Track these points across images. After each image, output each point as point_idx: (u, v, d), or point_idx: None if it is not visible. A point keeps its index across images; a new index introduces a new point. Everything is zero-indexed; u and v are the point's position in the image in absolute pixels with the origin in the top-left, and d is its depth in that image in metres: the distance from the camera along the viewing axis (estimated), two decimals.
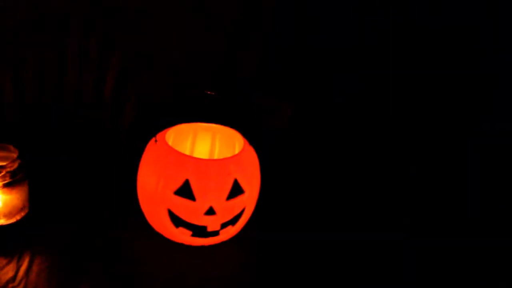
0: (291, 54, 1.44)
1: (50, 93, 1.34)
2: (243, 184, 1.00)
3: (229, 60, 1.45)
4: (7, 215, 1.01)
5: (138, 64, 1.36)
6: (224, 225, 1.02)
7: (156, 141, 1.03)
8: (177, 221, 1.00)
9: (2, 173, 0.97)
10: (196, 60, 1.40)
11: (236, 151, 1.08)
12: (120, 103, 1.38)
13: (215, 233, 1.02)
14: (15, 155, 1.00)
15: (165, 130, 1.08)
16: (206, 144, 1.15)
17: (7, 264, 0.96)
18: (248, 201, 1.03)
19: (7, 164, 0.97)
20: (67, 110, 1.34)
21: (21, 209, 1.03)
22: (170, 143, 1.07)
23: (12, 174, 0.99)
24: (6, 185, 0.98)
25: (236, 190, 0.99)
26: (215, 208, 0.98)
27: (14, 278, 0.93)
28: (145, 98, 1.38)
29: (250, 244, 1.11)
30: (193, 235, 1.02)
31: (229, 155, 1.10)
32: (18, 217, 1.03)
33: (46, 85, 1.33)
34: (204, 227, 1.00)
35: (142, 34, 1.33)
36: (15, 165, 0.99)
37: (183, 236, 1.02)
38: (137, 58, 1.36)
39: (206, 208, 0.97)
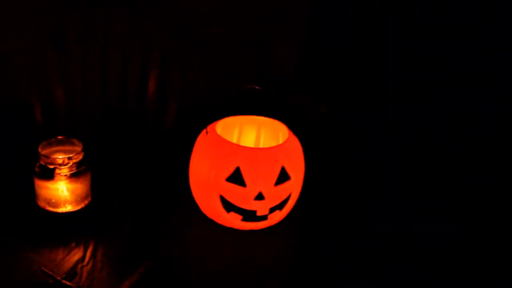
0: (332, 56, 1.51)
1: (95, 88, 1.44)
2: (289, 171, 1.07)
3: (268, 59, 1.53)
4: (73, 202, 1.10)
5: (181, 62, 1.45)
6: (272, 210, 1.09)
7: (207, 132, 1.11)
8: (229, 207, 1.07)
9: (69, 164, 1.06)
10: (237, 58, 1.49)
11: (280, 142, 1.15)
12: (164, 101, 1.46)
13: (264, 218, 1.10)
14: (79, 148, 1.09)
15: (214, 122, 1.16)
16: (252, 136, 1.22)
17: (76, 246, 1.05)
18: (294, 187, 1.10)
19: (73, 155, 1.06)
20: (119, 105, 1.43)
21: (85, 198, 1.13)
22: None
23: (78, 165, 1.08)
24: (72, 175, 1.07)
25: (283, 177, 1.06)
26: (264, 193, 1.05)
27: (83, 258, 1.02)
28: (188, 95, 1.47)
29: (296, 229, 1.18)
30: (243, 220, 1.09)
31: (273, 145, 1.17)
32: (82, 205, 1.12)
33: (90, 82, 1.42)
34: (254, 212, 1.08)
35: (184, 32, 1.42)
36: (80, 157, 1.08)
37: (234, 221, 1.10)
38: (179, 57, 1.44)
39: (256, 193, 1.05)
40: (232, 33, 1.43)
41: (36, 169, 1.07)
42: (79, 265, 1.00)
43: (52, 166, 1.05)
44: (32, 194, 1.11)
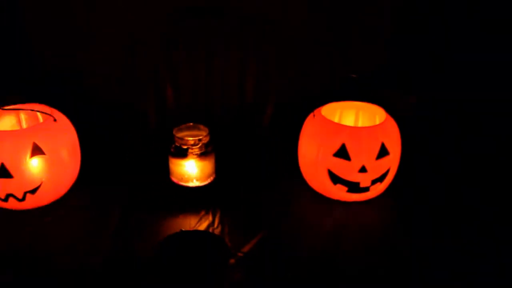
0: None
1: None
2: (388, 147, 1.21)
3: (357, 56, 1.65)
4: (201, 178, 1.30)
5: (274, 68, 1.61)
6: (373, 182, 1.23)
7: (314, 116, 1.28)
8: (335, 179, 1.23)
9: (199, 145, 1.26)
10: (327, 58, 1.62)
11: (377, 123, 1.30)
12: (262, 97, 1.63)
13: (366, 189, 1.24)
14: (205, 132, 1.29)
15: (318, 108, 1.32)
16: (351, 119, 1.38)
17: (205, 213, 1.24)
18: (392, 162, 1.24)
19: (202, 137, 1.26)
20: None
21: (211, 175, 1.32)
22: None
23: (205, 146, 1.28)
24: (201, 154, 1.27)
25: (383, 152, 1.21)
26: (367, 167, 1.20)
27: (213, 223, 1.21)
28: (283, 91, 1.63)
29: (394, 203, 1.31)
30: (348, 191, 1.24)
31: None
32: (208, 181, 1.32)
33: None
34: (357, 183, 1.23)
35: (275, 41, 1.58)
36: (207, 139, 1.28)
37: (340, 192, 1.25)
38: (273, 63, 1.60)
39: (359, 166, 1.20)
40: (321, 37, 1.56)
41: (172, 150, 1.28)
42: (210, 228, 1.19)
43: (185, 147, 1.26)
44: (166, 172, 1.32)
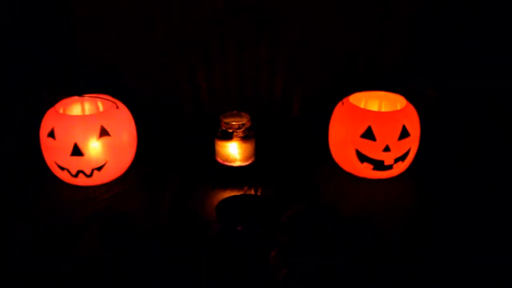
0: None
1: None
2: (409, 129, 1.38)
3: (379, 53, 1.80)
4: (243, 159, 1.48)
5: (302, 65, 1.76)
6: (396, 160, 1.40)
7: (343, 103, 1.45)
8: (362, 158, 1.40)
9: (242, 129, 1.44)
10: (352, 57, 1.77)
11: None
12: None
13: (390, 167, 1.41)
14: (246, 119, 1.47)
15: (346, 97, 1.49)
16: (375, 107, 1.55)
17: (248, 189, 1.41)
18: (413, 143, 1.41)
19: (245, 122, 1.44)
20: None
21: (251, 157, 1.50)
22: None
23: (247, 130, 1.46)
24: (243, 138, 1.45)
25: (404, 133, 1.38)
26: (390, 146, 1.37)
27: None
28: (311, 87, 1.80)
29: (416, 180, 1.48)
30: (374, 169, 1.41)
31: None
32: (249, 162, 1.50)
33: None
34: (382, 161, 1.40)
35: (303, 40, 1.74)
36: (249, 124, 1.46)
37: (366, 170, 1.43)
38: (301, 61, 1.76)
39: (383, 146, 1.37)
40: (346, 40, 1.72)
41: (218, 134, 1.46)
42: None
43: (230, 130, 1.44)
44: (211, 153, 1.50)
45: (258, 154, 1.53)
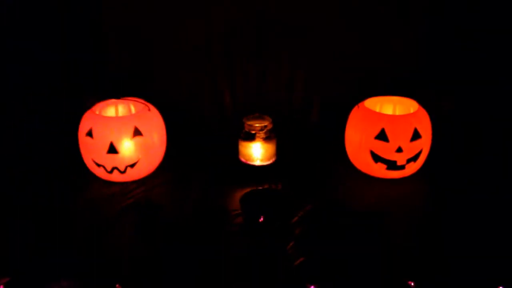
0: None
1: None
2: (420, 131, 1.48)
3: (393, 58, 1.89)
4: (265, 159, 1.59)
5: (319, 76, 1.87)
6: (408, 161, 1.50)
7: (358, 107, 1.56)
8: (376, 158, 1.50)
9: (264, 130, 1.55)
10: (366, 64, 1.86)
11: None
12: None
13: (402, 167, 1.51)
14: (269, 121, 1.58)
15: (362, 101, 1.59)
16: (389, 111, 1.65)
17: (270, 186, 1.52)
18: (424, 144, 1.50)
19: (267, 124, 1.55)
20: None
21: (272, 156, 1.61)
22: None
23: (269, 132, 1.57)
24: (265, 138, 1.56)
25: (416, 135, 1.47)
26: (402, 147, 1.47)
27: None
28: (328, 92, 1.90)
29: (428, 180, 1.57)
30: (387, 169, 1.51)
31: None
32: (270, 161, 1.60)
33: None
34: (395, 162, 1.49)
35: (320, 52, 1.84)
36: (270, 126, 1.57)
37: (380, 170, 1.52)
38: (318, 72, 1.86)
39: (396, 147, 1.47)
40: (363, 50, 1.82)
41: (242, 135, 1.57)
42: None
43: (253, 132, 1.55)
44: (235, 153, 1.61)
45: (279, 154, 1.63)
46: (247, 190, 1.49)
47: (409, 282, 1.13)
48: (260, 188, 1.47)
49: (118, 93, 1.64)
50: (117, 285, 1.10)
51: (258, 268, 1.18)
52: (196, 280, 1.14)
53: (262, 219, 1.31)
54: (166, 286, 1.13)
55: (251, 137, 1.55)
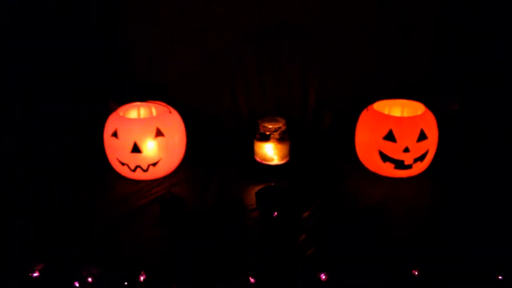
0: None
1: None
2: (426, 132, 1.56)
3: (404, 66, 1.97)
4: (279, 158, 1.68)
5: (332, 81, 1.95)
6: (415, 160, 1.58)
7: (368, 110, 1.64)
8: (385, 158, 1.58)
9: (278, 131, 1.64)
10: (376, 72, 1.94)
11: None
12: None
13: (409, 166, 1.59)
14: (283, 123, 1.67)
15: (371, 104, 1.68)
16: (398, 113, 1.73)
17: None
18: (430, 145, 1.58)
19: (281, 125, 1.64)
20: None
21: (286, 156, 1.70)
22: None
23: (282, 133, 1.66)
24: (279, 139, 1.65)
25: (422, 136, 1.55)
26: (409, 147, 1.55)
27: None
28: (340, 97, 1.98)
29: (433, 180, 1.64)
30: (395, 168, 1.59)
31: None
32: (284, 161, 1.69)
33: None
34: (402, 161, 1.57)
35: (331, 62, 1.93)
36: (284, 127, 1.66)
37: (388, 169, 1.60)
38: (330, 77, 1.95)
39: (403, 147, 1.55)
40: (374, 56, 1.90)
41: (257, 136, 1.67)
42: None
43: (268, 133, 1.64)
44: (251, 153, 1.71)
45: (293, 154, 1.72)
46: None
47: (413, 271, 1.20)
48: (273, 184, 1.55)
49: (141, 97, 1.74)
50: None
51: (273, 257, 1.26)
52: (214, 268, 1.23)
53: (276, 214, 1.39)
54: (186, 273, 1.22)
55: (265, 138, 1.64)
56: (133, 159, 1.59)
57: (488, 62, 1.87)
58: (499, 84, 1.89)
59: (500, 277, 1.19)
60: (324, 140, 1.91)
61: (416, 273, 1.21)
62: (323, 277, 1.19)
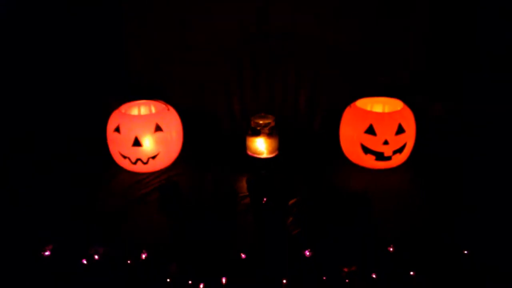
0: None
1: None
2: (404, 126, 1.69)
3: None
4: (268, 152, 1.82)
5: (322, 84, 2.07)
6: (394, 152, 1.71)
7: (350, 107, 1.78)
8: (366, 150, 1.72)
9: (269, 126, 1.78)
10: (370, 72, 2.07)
11: None
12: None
13: (389, 158, 1.72)
14: (272, 119, 1.81)
15: (354, 102, 1.82)
16: (379, 109, 1.87)
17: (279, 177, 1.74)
18: (408, 138, 1.72)
19: (270, 122, 1.78)
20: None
21: (275, 150, 1.83)
22: None
23: (271, 128, 1.79)
24: (269, 134, 1.79)
25: (400, 130, 1.69)
26: (388, 140, 1.68)
27: None
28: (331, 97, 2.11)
29: (413, 172, 1.77)
30: (376, 159, 1.73)
31: None
32: (273, 155, 1.83)
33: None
34: (382, 153, 1.71)
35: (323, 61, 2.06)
36: (273, 123, 1.79)
37: (369, 161, 1.74)
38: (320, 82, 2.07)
39: (383, 140, 1.68)
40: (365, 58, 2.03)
41: (249, 131, 1.80)
42: None
43: (258, 128, 1.78)
44: (243, 147, 1.84)
45: (282, 149, 1.86)
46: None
47: (389, 248, 1.34)
48: (263, 173, 1.69)
49: (141, 96, 1.88)
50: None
51: (263, 238, 1.40)
52: (211, 249, 1.36)
53: (265, 200, 1.53)
54: (185, 253, 1.36)
55: (256, 133, 1.78)
56: (134, 153, 1.72)
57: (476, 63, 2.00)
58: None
59: (466, 252, 1.33)
60: (312, 137, 2.04)
61: (391, 249, 1.34)
62: (307, 253, 1.32)
